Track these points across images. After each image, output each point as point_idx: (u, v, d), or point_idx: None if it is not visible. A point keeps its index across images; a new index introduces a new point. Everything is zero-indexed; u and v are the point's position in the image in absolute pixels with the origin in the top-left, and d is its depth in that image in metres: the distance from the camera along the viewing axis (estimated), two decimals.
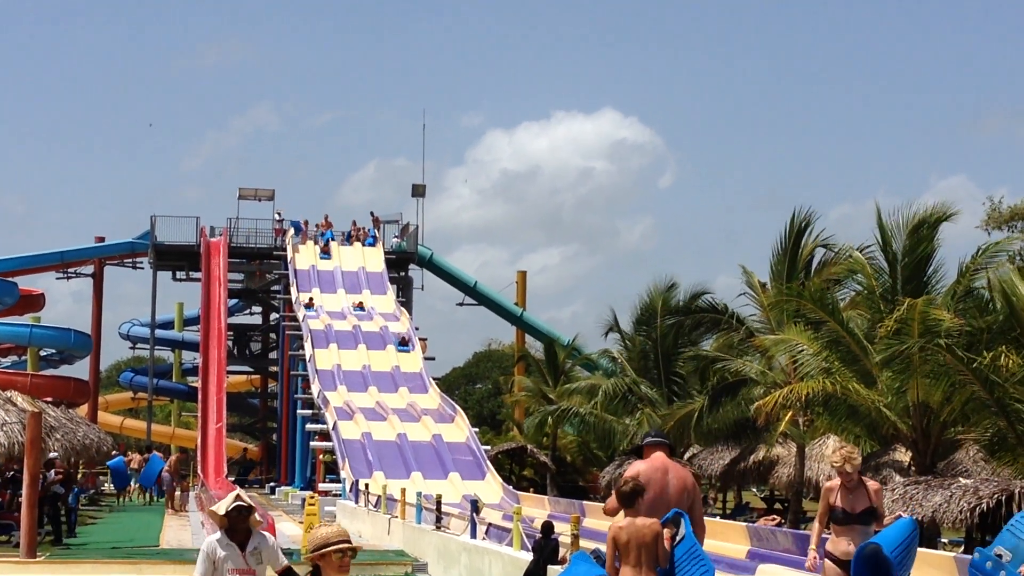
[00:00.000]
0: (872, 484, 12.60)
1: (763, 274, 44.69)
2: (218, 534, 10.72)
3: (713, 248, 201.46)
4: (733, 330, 46.19)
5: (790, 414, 36.61)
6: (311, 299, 60.59)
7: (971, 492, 28.21)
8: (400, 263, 74.03)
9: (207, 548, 10.58)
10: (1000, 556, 11.16)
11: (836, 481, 12.60)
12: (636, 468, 12.24)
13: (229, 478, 58.99)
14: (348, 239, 71.98)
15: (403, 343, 58.99)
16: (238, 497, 10.67)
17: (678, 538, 11.68)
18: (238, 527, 10.61)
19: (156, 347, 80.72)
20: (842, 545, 12.39)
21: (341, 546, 7.63)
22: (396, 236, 74.97)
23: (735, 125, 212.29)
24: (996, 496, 27.43)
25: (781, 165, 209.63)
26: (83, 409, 65.98)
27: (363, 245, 71.50)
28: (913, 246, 35.21)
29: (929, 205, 35.91)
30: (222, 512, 10.47)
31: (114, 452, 54.23)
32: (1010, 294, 31.22)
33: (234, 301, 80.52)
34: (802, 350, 36.80)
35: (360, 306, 64.05)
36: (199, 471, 59.08)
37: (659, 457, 12.38)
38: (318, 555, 7.73)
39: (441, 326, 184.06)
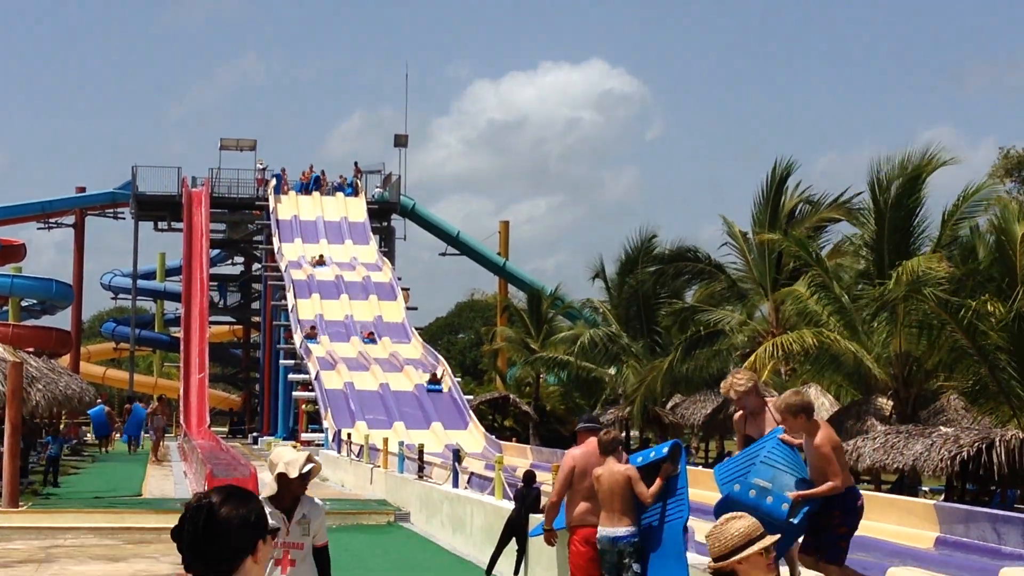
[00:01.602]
0: (775, 403, 12.28)
1: (747, 225, 44.81)
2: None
3: (698, 200, 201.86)
4: (715, 279, 46.30)
5: (772, 363, 36.75)
6: (313, 327, 58.34)
7: (952, 440, 28.30)
8: (382, 213, 73.79)
9: None
10: (761, 486, 11.04)
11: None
12: (572, 455, 12.78)
13: (211, 428, 59.01)
14: (311, 187, 71.36)
15: (433, 381, 51.64)
16: (311, 457, 8.78)
17: (675, 472, 12.29)
18: (291, 491, 8.68)
19: (138, 297, 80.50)
20: None
21: (767, 541, 5.53)
22: (378, 186, 74.72)
23: (722, 77, 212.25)
24: (976, 444, 27.51)
25: (768, 116, 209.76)
26: (65, 359, 65.84)
27: (344, 195, 71.20)
28: (901, 196, 35.29)
29: (919, 153, 36.05)
30: (295, 474, 8.54)
31: (98, 400, 54.17)
32: (1001, 232, 31.21)
33: (216, 251, 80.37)
34: (801, 301, 37.13)
35: (320, 261, 63.26)
36: (182, 421, 59.12)
37: (592, 442, 12.78)
38: (737, 560, 5.54)
39: (424, 276, 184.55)
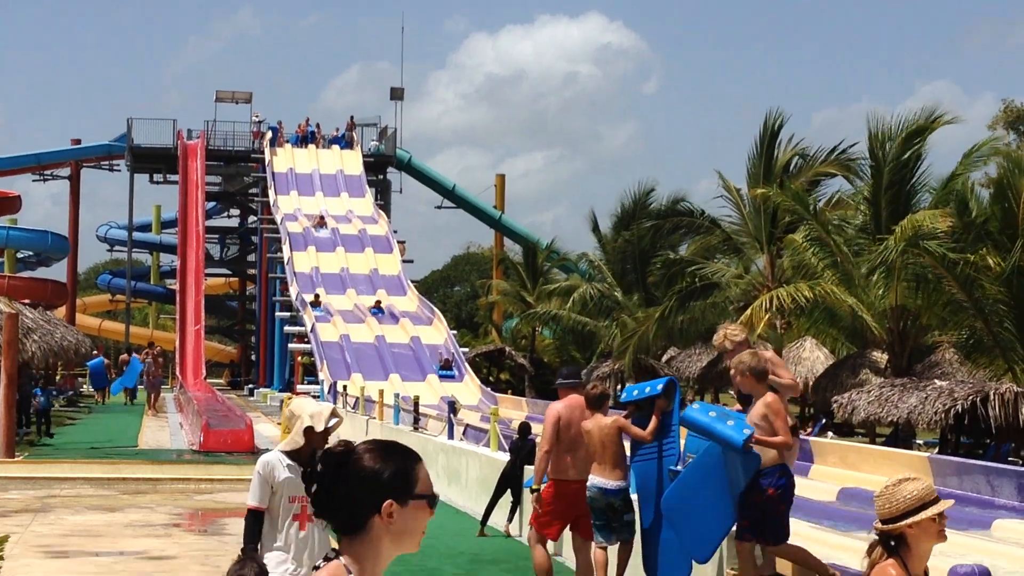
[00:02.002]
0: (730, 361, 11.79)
1: (744, 180, 44.80)
2: (276, 452, 8.45)
3: (695, 154, 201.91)
4: (710, 233, 46.30)
5: (767, 317, 36.81)
6: (317, 296, 56.62)
7: (946, 394, 28.38)
8: (378, 166, 73.70)
9: (264, 469, 8.32)
10: (723, 412, 11.07)
11: None
12: (556, 408, 12.85)
13: (207, 380, 59.09)
14: (308, 140, 71.22)
15: (446, 367, 48.70)
16: (335, 411, 8.39)
17: (668, 408, 12.44)
18: (312, 445, 8.21)
19: (134, 249, 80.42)
20: None
21: (941, 507, 5.08)
22: (374, 140, 74.58)
23: (720, 31, 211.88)
24: (971, 398, 27.59)
25: (766, 71, 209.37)
26: (61, 311, 65.85)
27: (339, 148, 71.03)
28: (900, 151, 35.35)
29: (919, 110, 36.16)
30: (321, 428, 8.16)
31: (94, 352, 54.19)
32: (1008, 186, 31.22)
33: (212, 204, 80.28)
34: (799, 253, 37.27)
35: (321, 222, 61.83)
36: (178, 373, 59.19)
37: (575, 397, 12.98)
38: (907, 525, 5.10)
39: (421, 229, 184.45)
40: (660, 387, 12.49)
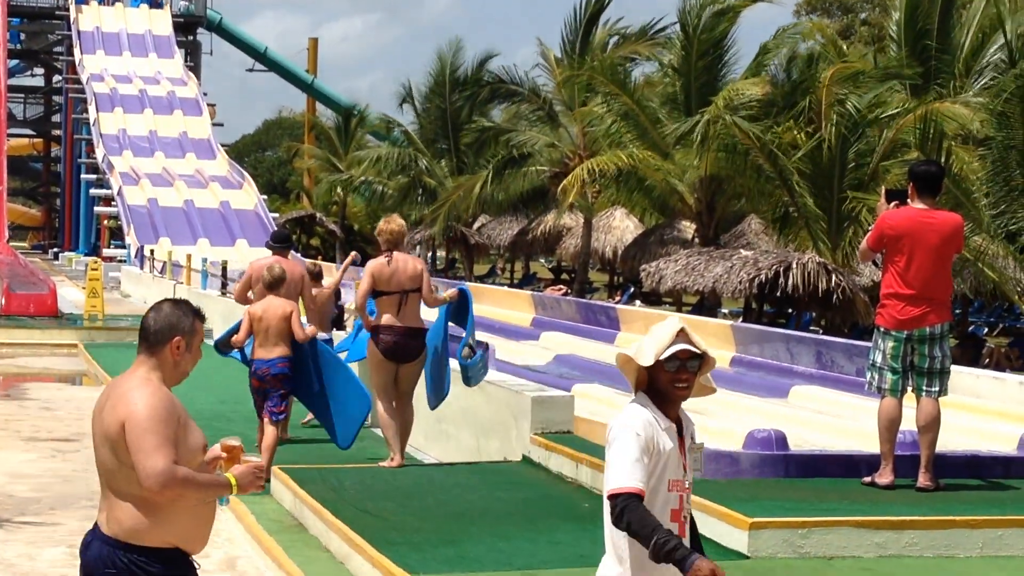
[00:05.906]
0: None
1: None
2: (647, 403, 4.80)
3: (517, 22, 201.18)
4: (527, 101, 46.34)
5: (578, 186, 36.98)
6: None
7: (751, 264, 28.86)
8: (188, 27, 72.22)
9: (646, 429, 4.73)
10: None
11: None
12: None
13: (10, 243, 57.85)
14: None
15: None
16: (683, 333, 4.77)
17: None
18: (677, 392, 4.81)
19: None
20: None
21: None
22: None
23: None
24: (774, 267, 28.09)
25: None
26: None
27: (148, 6, 69.37)
28: (712, 25, 35.76)
29: None
30: (649, 361, 4.76)
31: None
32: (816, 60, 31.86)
33: (14, 62, 78.07)
34: (601, 123, 37.53)
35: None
36: None
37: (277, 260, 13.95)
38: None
39: (234, 93, 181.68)
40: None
